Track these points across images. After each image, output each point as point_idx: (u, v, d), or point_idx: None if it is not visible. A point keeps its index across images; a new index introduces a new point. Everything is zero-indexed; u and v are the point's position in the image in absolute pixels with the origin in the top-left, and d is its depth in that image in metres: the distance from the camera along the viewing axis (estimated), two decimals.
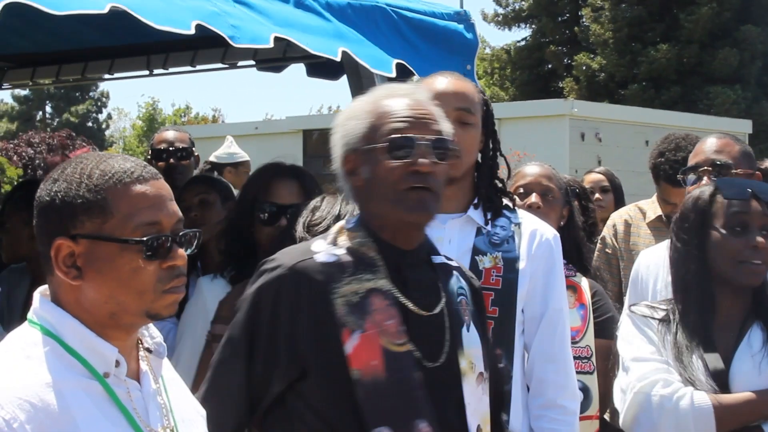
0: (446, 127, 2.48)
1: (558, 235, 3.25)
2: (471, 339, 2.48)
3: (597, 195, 6.07)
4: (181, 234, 1.97)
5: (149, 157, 5.45)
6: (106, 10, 2.99)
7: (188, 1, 3.39)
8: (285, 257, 2.42)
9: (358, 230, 2.45)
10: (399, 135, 2.38)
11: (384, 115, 2.43)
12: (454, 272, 2.56)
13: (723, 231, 2.98)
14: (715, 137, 3.71)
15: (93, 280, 1.91)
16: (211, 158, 7.54)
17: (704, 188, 3.12)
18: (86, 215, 1.90)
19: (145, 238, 1.90)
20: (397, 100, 2.45)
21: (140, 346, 2.05)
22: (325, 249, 2.42)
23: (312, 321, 2.34)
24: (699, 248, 3.03)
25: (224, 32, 3.40)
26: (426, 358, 2.37)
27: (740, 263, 2.95)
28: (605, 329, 3.99)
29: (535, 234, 3.16)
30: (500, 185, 3.22)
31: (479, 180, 3.16)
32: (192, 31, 3.27)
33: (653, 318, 3.05)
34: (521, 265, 3.10)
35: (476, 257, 3.07)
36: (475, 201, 3.14)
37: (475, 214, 3.14)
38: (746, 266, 2.95)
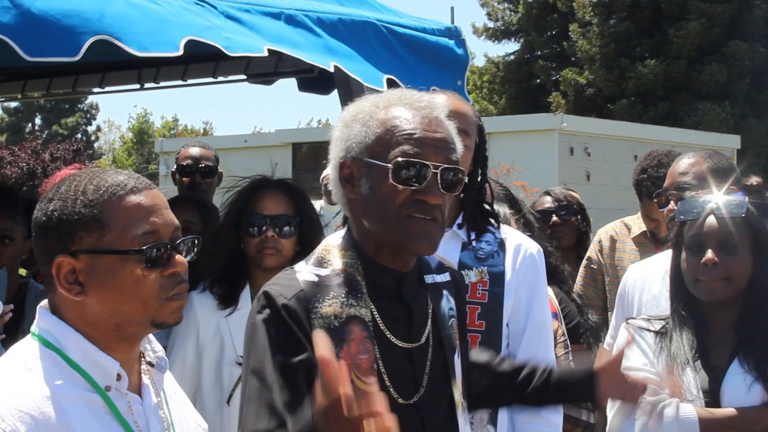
0: (459, 148, 2.25)
1: (541, 249, 3.30)
2: (460, 367, 2.36)
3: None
4: (179, 241, 1.99)
5: (173, 170, 5.36)
6: (82, 52, 3.03)
7: (180, 17, 3.42)
8: (282, 288, 2.20)
9: (349, 250, 2.26)
10: (410, 159, 2.15)
11: (395, 130, 2.18)
12: (444, 291, 2.38)
13: (685, 252, 3.05)
14: (685, 157, 3.65)
15: (96, 294, 1.93)
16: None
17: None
18: (84, 231, 1.92)
19: (143, 248, 1.92)
20: (413, 114, 2.20)
21: (142, 360, 2.07)
22: (308, 269, 2.24)
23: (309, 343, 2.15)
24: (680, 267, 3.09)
25: (219, 43, 3.44)
26: (401, 395, 2.20)
27: (697, 281, 3.01)
28: (573, 335, 4.11)
29: (519, 249, 3.20)
30: (487, 208, 3.25)
31: (465, 201, 3.19)
32: (180, 52, 3.28)
33: (649, 330, 3.10)
34: (506, 279, 3.13)
35: (462, 272, 3.08)
36: (459, 221, 3.17)
37: (460, 231, 3.18)
38: (701, 284, 3.00)
